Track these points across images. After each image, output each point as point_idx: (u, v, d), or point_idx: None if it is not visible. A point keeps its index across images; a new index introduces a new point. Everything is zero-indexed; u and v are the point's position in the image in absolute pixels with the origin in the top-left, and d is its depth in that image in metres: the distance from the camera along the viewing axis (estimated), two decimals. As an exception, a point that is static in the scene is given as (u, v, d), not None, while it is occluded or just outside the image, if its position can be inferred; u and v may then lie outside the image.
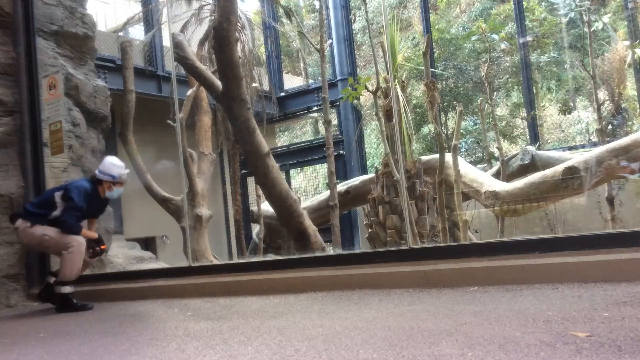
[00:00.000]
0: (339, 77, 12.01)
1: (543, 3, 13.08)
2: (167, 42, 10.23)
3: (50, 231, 4.04)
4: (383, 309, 2.77)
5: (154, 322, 3.20)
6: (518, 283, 2.96)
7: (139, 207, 9.08)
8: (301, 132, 19.86)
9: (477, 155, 12.63)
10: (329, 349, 2.06)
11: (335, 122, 12.25)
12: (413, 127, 8.69)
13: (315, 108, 13.20)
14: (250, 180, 11.72)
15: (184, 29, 9.67)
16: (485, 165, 8.97)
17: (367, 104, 13.79)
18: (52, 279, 4.23)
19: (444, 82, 13.56)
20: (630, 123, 10.60)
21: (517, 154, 7.75)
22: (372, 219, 7.09)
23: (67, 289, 4.08)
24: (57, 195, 4.12)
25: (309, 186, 14.55)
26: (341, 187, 8.42)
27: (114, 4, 12.21)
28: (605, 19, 9.68)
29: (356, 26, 15.44)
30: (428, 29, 11.35)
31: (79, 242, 4.03)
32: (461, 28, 14.15)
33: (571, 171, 5.80)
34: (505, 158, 7.63)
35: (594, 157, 5.80)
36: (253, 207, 9.85)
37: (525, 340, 1.88)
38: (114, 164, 4.29)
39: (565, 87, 13.15)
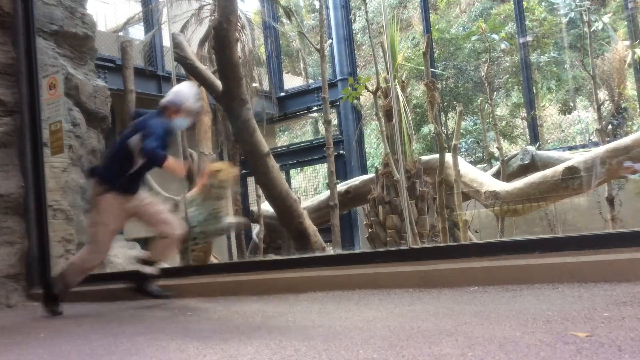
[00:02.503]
0: (339, 77, 12.02)
1: (543, 3, 13.08)
2: (167, 42, 10.23)
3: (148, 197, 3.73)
4: (383, 309, 2.77)
5: (154, 322, 3.19)
6: (518, 283, 2.96)
7: (139, 207, 9.07)
8: (301, 132, 19.86)
9: (477, 155, 12.63)
10: (329, 349, 2.06)
11: (335, 122, 12.25)
12: (413, 127, 8.69)
13: (315, 108, 13.20)
14: (250, 180, 11.72)
15: (184, 29, 9.65)
16: (485, 165, 8.96)
17: (367, 104, 13.80)
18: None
19: (444, 82, 13.57)
20: (630, 123, 10.60)
21: (517, 154, 7.74)
22: (372, 219, 7.09)
23: (148, 270, 3.80)
24: (134, 140, 3.50)
25: (309, 186, 14.54)
26: (341, 187, 8.42)
27: (114, 4, 12.24)
28: (605, 19, 9.68)
29: (356, 26, 15.44)
30: (428, 29, 11.34)
31: (178, 230, 3.73)
32: (461, 28, 14.15)
33: (571, 171, 5.80)
34: (505, 158, 7.62)
35: (594, 157, 5.80)
36: (253, 207, 9.84)
37: (525, 340, 1.88)
38: (179, 90, 3.78)
39: (565, 87, 13.15)
